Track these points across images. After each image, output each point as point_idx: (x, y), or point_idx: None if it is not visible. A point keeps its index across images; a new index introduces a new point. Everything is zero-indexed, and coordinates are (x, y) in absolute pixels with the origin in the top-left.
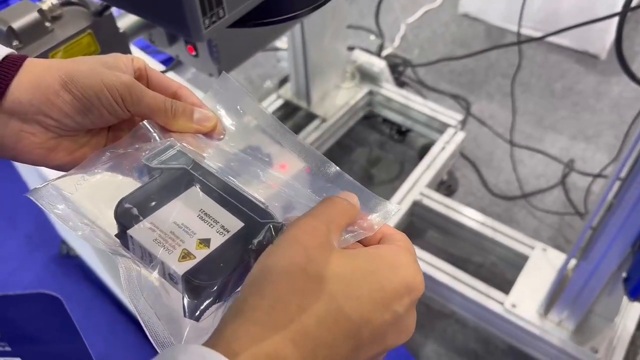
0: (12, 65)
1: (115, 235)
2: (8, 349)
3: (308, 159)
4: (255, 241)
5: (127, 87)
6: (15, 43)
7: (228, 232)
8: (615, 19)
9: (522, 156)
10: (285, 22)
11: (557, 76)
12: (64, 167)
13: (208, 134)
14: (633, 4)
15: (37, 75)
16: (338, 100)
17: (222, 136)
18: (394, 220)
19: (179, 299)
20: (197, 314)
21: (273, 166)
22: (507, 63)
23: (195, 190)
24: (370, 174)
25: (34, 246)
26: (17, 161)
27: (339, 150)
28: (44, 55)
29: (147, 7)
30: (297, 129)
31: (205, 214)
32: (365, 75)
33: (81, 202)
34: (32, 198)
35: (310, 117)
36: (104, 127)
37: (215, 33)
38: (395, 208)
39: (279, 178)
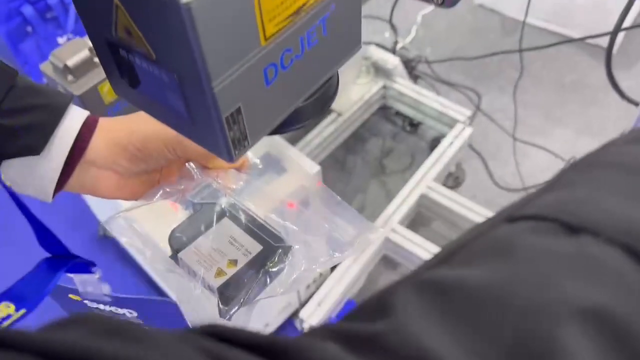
0: (89, 127)
1: (169, 257)
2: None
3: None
4: (270, 261)
5: (178, 140)
6: (70, 78)
7: (250, 253)
8: (636, 8)
9: (528, 149)
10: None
11: (568, 69)
12: (129, 199)
13: (238, 169)
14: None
15: (108, 134)
16: (353, 95)
17: (249, 170)
18: (403, 210)
19: (215, 304)
20: (228, 316)
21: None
22: (520, 56)
23: (227, 220)
24: (382, 164)
25: (74, 227)
26: (95, 196)
27: (354, 141)
28: (94, 88)
29: (187, 132)
30: (314, 123)
31: (234, 239)
32: (379, 71)
33: (143, 229)
34: (106, 227)
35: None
36: (159, 167)
37: (242, 155)
38: (378, 235)
39: (289, 204)
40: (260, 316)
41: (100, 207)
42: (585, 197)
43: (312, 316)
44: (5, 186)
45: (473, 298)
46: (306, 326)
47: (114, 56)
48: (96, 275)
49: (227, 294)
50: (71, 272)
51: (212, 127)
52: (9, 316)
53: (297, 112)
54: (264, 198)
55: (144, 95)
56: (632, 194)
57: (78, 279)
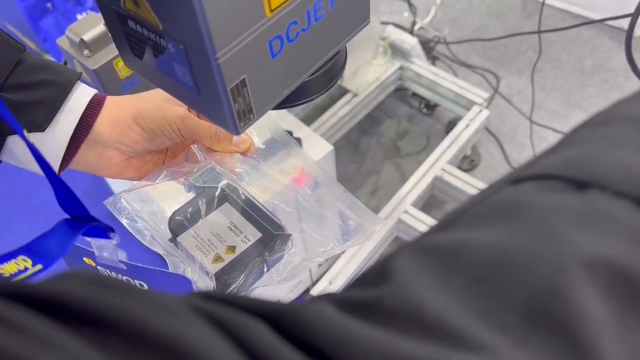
0: (96, 105)
1: (169, 240)
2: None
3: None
4: (269, 249)
5: (182, 120)
6: (86, 52)
7: (249, 240)
8: None
9: (546, 133)
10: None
11: (588, 52)
12: (133, 179)
13: (243, 153)
14: None
15: (115, 114)
16: (369, 75)
17: (255, 155)
18: (416, 192)
19: (211, 290)
20: None
21: (292, 176)
22: (539, 38)
23: (228, 206)
24: (397, 146)
25: (92, 201)
26: (99, 175)
27: (369, 122)
28: (110, 63)
29: (194, 104)
30: (329, 103)
31: (234, 225)
32: (396, 51)
33: (143, 211)
34: (108, 207)
35: (343, 91)
36: (164, 148)
37: (247, 128)
38: (382, 225)
39: (293, 191)
40: (272, 293)
41: (116, 181)
42: (593, 153)
43: None
44: (29, 144)
45: (475, 258)
46: None
47: (122, 28)
48: (114, 241)
49: (224, 280)
50: (89, 235)
51: (217, 98)
52: (25, 269)
53: (303, 86)
54: (266, 182)
55: (153, 68)
56: None
57: (95, 244)
